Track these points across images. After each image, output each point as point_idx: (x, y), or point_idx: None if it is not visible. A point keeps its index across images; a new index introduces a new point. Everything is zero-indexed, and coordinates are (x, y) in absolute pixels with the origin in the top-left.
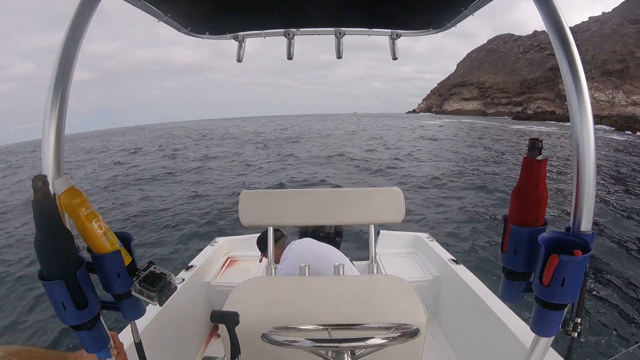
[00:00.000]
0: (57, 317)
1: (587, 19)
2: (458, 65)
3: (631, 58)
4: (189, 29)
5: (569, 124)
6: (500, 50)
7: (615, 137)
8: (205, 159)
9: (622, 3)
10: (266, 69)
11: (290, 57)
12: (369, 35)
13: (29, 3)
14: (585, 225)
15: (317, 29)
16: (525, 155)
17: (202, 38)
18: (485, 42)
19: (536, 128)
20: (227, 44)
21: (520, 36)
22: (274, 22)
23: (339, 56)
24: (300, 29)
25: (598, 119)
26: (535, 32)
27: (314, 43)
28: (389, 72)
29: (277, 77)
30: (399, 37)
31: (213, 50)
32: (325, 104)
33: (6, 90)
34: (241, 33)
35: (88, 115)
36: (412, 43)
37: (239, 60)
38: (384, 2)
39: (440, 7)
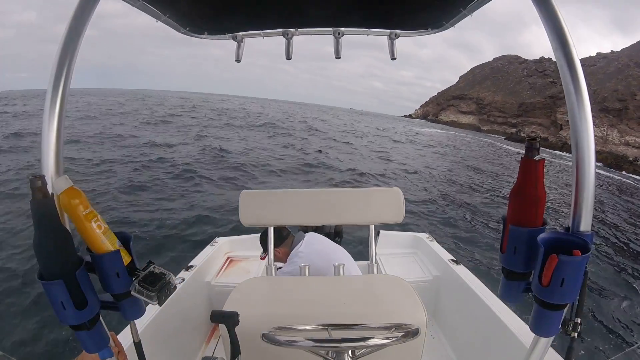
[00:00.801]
0: (57, 317)
1: (594, 54)
2: (460, 77)
3: (631, 99)
4: (187, 29)
5: (559, 152)
6: (505, 70)
7: (603, 172)
8: None
9: (633, 45)
10: (268, 52)
11: (289, 57)
12: (367, 35)
13: None
14: (585, 225)
15: (316, 29)
16: (523, 156)
17: (201, 38)
18: (491, 59)
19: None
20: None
21: (526, 59)
22: (273, 23)
23: (338, 56)
24: (298, 29)
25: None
26: (542, 58)
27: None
28: (390, 74)
29: (278, 61)
30: (397, 37)
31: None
32: (321, 95)
33: (4, 37)
34: (240, 33)
35: (84, 72)
36: (417, 50)
37: (238, 60)
38: (383, 2)
39: (439, 7)
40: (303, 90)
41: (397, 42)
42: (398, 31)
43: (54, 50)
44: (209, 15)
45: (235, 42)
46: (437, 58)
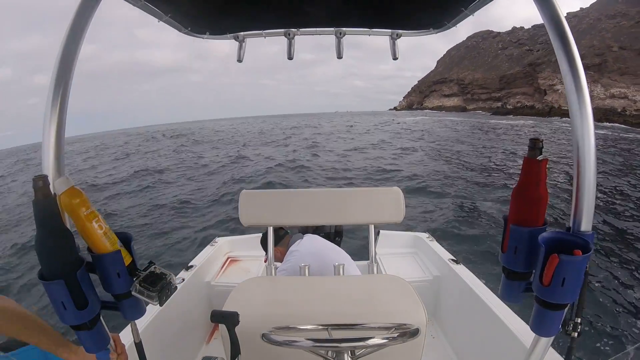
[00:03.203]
0: (58, 316)
1: (565, 15)
2: (438, 62)
3: (609, 52)
4: (189, 29)
5: (547, 118)
6: (480, 46)
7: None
8: None
9: None
10: (246, 69)
11: (290, 57)
12: (369, 35)
13: (4, 4)
14: (586, 225)
15: (318, 29)
16: (525, 155)
17: (203, 38)
18: (465, 39)
19: (508, 122)
20: (206, 45)
21: (499, 32)
22: (275, 23)
23: (339, 56)
24: (300, 29)
25: None
26: (514, 28)
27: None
28: (369, 71)
29: (257, 77)
30: (399, 37)
31: (192, 51)
32: (306, 103)
33: None
34: (242, 33)
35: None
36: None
37: (239, 60)
38: (385, 2)
39: (441, 7)
40: (286, 101)
41: (398, 41)
42: (400, 31)
43: (35, 103)
44: (211, 16)
45: (237, 42)
46: (413, 46)
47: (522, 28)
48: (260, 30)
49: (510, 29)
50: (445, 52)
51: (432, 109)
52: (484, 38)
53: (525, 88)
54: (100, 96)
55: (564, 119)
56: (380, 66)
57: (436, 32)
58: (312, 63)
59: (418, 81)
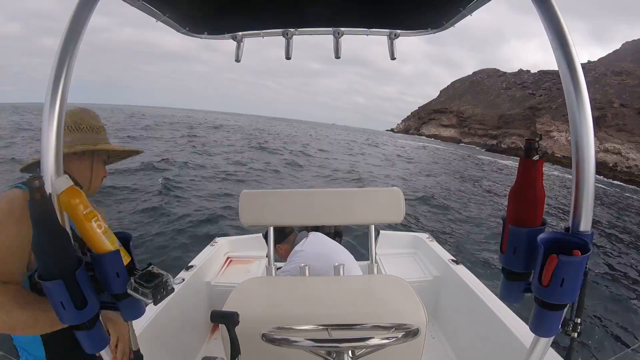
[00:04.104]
0: (56, 316)
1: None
2: (441, 92)
3: (609, 107)
4: (187, 29)
5: None
6: (484, 83)
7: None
8: None
9: (609, 54)
10: (253, 69)
11: (288, 57)
12: (367, 35)
13: None
14: (585, 226)
15: (316, 29)
16: (521, 156)
17: (201, 38)
18: (471, 73)
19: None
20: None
21: (505, 72)
22: (273, 22)
23: (337, 56)
24: (298, 29)
25: (568, 161)
26: (521, 70)
27: (305, 50)
28: (372, 90)
29: (262, 78)
30: (397, 37)
31: (202, 41)
32: (305, 111)
33: None
34: (240, 33)
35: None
36: (399, 66)
37: (238, 60)
38: (383, 2)
39: (439, 7)
40: (287, 106)
41: (396, 41)
42: (398, 31)
43: (38, 63)
44: (209, 15)
45: (235, 42)
46: (419, 74)
47: (528, 71)
48: (258, 30)
49: (517, 70)
50: (449, 84)
51: (428, 136)
52: (490, 75)
53: (522, 130)
54: (103, 68)
55: (555, 166)
56: (384, 87)
57: (434, 32)
58: (318, 73)
59: (419, 107)
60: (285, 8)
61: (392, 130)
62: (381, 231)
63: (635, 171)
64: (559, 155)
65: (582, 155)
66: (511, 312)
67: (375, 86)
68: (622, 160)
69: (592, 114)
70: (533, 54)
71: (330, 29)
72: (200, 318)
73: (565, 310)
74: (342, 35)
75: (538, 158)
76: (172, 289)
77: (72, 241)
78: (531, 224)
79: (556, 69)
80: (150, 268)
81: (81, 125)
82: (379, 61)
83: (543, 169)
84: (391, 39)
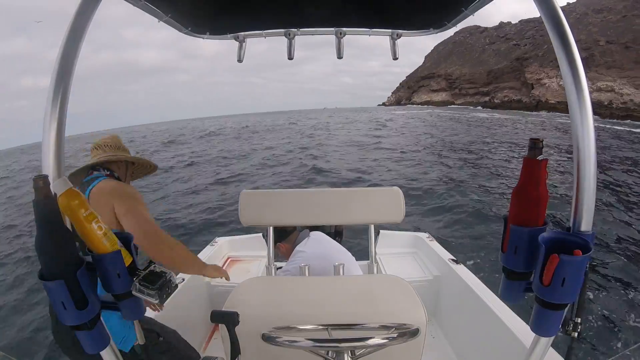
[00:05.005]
0: (57, 316)
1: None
2: (426, 58)
3: (596, 46)
4: (189, 29)
5: (533, 112)
6: (467, 42)
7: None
8: None
9: None
10: (233, 68)
11: (290, 57)
12: (369, 35)
13: None
14: (586, 225)
15: (318, 29)
16: (525, 155)
17: (203, 38)
18: (452, 34)
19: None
20: (195, 44)
21: (486, 28)
22: (275, 22)
23: (340, 56)
24: (300, 29)
25: (564, 106)
26: (501, 23)
27: (281, 41)
28: (358, 67)
29: (245, 75)
30: (399, 37)
31: (180, 51)
32: (295, 101)
33: None
34: (242, 33)
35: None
36: (379, 39)
37: (240, 60)
38: (385, 2)
39: (441, 7)
40: (275, 99)
41: (398, 41)
42: (400, 31)
43: (24, 106)
44: (211, 15)
45: (237, 42)
46: (401, 43)
47: (509, 23)
48: (260, 30)
49: (498, 24)
50: (432, 48)
51: (420, 104)
52: (471, 33)
53: (512, 82)
54: (88, 98)
55: (551, 112)
56: (369, 63)
57: (436, 32)
58: (300, 61)
59: (406, 77)
60: (287, 8)
61: (383, 104)
62: (381, 231)
63: (631, 106)
64: (553, 102)
65: (583, 155)
66: (511, 311)
67: (360, 63)
68: (617, 97)
69: (580, 55)
70: (511, 4)
71: (333, 29)
72: (200, 318)
73: (566, 309)
74: (344, 36)
75: (542, 158)
76: (176, 286)
77: (75, 242)
78: (533, 223)
79: (537, 16)
80: (152, 267)
81: (120, 145)
82: (358, 39)
83: (546, 167)
84: (393, 39)
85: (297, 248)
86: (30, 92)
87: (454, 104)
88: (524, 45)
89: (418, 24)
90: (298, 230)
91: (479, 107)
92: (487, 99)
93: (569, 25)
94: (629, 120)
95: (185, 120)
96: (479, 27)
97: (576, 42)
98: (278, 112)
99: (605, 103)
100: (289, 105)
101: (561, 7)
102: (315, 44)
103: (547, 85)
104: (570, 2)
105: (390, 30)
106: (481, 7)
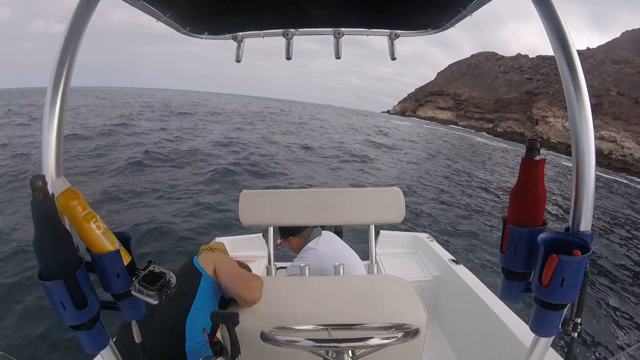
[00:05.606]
0: (57, 317)
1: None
2: (438, 74)
3: (607, 95)
4: (187, 29)
5: None
6: (482, 66)
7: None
8: None
9: (608, 42)
10: (247, 48)
11: (289, 57)
12: (367, 35)
13: None
14: (585, 226)
15: (316, 29)
16: (523, 156)
17: (201, 38)
18: (469, 56)
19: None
20: None
21: (503, 56)
22: (273, 23)
23: (338, 56)
24: (299, 29)
25: (564, 147)
26: (519, 54)
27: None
28: (367, 70)
29: (256, 58)
30: (397, 38)
31: None
32: (299, 92)
33: None
34: (240, 33)
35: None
36: (396, 45)
37: (238, 60)
38: (383, 2)
39: (439, 7)
40: (281, 87)
41: (396, 42)
42: (398, 31)
43: (28, 48)
44: (209, 16)
45: (235, 43)
46: (415, 55)
47: (526, 56)
48: (258, 30)
49: (515, 54)
50: (446, 66)
51: (424, 118)
52: (487, 58)
53: (518, 114)
54: (98, 52)
55: (549, 151)
56: (379, 67)
57: (435, 32)
58: (313, 53)
59: (415, 89)
60: (285, 9)
61: (388, 112)
62: (381, 231)
63: (629, 160)
64: (554, 141)
65: (582, 156)
66: (511, 312)
67: (370, 66)
68: (617, 149)
69: (589, 100)
70: (531, 38)
71: (331, 29)
72: None
73: (566, 310)
74: (342, 36)
75: (539, 158)
76: (176, 286)
77: (74, 241)
78: (532, 223)
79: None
80: (151, 267)
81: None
82: (371, 41)
83: (544, 169)
84: (391, 39)
85: (309, 245)
86: (38, 35)
87: (457, 124)
88: (537, 80)
89: (416, 24)
90: (311, 228)
91: (483, 133)
92: (490, 125)
93: (585, 70)
94: (624, 173)
95: (188, 91)
96: (496, 54)
97: (588, 87)
98: (281, 100)
99: (605, 152)
100: (292, 95)
101: (579, 51)
102: (326, 39)
103: (552, 124)
104: (591, 47)
105: (388, 31)
106: (479, 8)
